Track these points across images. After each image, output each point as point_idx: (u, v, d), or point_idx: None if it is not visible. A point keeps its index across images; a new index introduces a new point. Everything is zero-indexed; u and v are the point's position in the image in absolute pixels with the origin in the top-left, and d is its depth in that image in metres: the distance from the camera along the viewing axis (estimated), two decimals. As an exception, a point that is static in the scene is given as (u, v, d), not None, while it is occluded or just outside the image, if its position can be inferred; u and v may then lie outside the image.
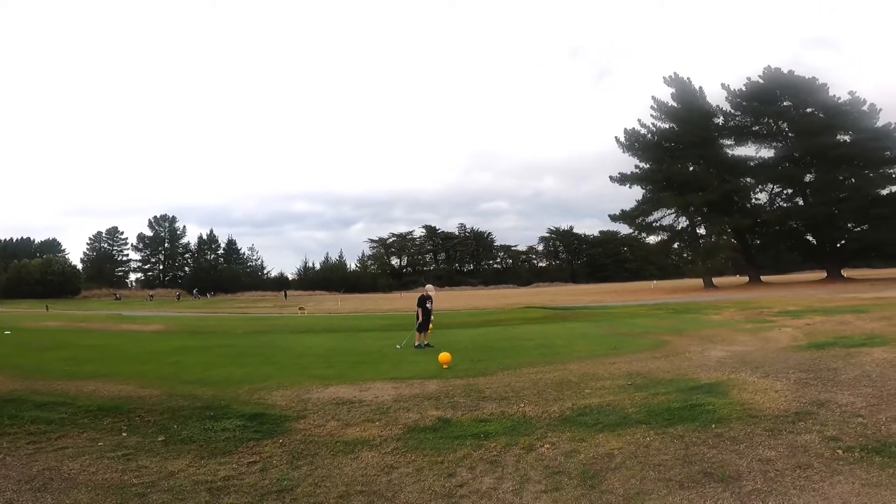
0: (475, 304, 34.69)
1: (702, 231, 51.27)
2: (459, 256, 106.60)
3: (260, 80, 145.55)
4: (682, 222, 50.09)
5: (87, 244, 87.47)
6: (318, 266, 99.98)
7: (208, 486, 4.01)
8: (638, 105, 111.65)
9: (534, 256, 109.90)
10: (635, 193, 51.03)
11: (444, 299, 44.88)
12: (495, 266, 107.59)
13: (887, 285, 29.17)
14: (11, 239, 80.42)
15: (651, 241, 57.03)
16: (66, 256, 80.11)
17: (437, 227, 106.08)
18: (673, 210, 48.64)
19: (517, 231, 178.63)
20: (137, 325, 21.01)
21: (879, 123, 42.35)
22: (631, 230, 54.73)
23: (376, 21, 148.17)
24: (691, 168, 48.80)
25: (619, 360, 8.89)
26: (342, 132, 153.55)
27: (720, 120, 49.13)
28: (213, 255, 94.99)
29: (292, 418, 5.90)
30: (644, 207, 49.18)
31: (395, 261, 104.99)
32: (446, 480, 4.02)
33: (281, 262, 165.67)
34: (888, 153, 41.77)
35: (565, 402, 6.12)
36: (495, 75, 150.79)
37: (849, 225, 44.61)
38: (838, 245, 45.85)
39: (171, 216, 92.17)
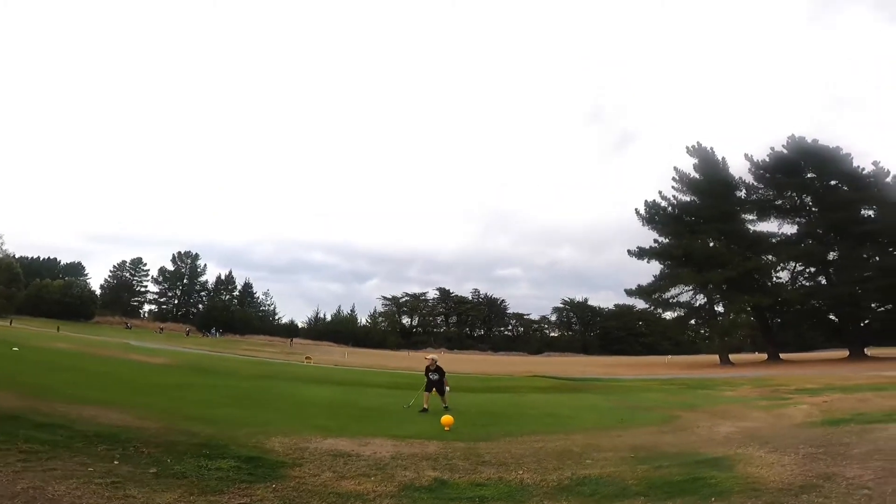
0: (483, 370, 33.92)
1: (720, 308, 49.99)
2: (471, 321, 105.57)
3: (291, 132, 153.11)
4: (700, 299, 49.05)
5: (110, 272, 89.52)
6: (328, 317, 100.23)
7: (194, 523, 3.94)
8: (660, 173, 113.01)
9: (546, 326, 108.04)
10: (653, 268, 50.33)
11: (453, 362, 43.96)
12: (506, 333, 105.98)
13: (912, 362, 27.83)
14: (38, 257, 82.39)
15: (668, 317, 55.83)
16: (88, 281, 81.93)
17: (451, 291, 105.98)
18: (691, 287, 47.87)
19: (531, 300, 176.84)
20: (145, 356, 21.07)
21: (904, 196, 41.34)
22: (647, 305, 53.82)
23: (406, 80, 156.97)
24: (711, 244, 48.16)
25: (625, 434, 8.68)
26: (364, 187, 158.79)
27: (742, 193, 48.71)
28: (228, 296, 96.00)
29: (288, 465, 5.82)
30: (661, 283, 48.54)
31: (406, 320, 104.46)
32: (437, 543, 3.89)
33: (293, 309, 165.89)
34: (913, 229, 40.50)
35: (565, 471, 5.96)
36: (516, 139, 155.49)
37: (872, 304, 42.92)
38: (862, 324, 44.07)
39: (194, 253, 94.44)
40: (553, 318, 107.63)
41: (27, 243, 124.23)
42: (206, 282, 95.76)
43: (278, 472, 5.52)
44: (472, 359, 61.30)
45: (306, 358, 32.91)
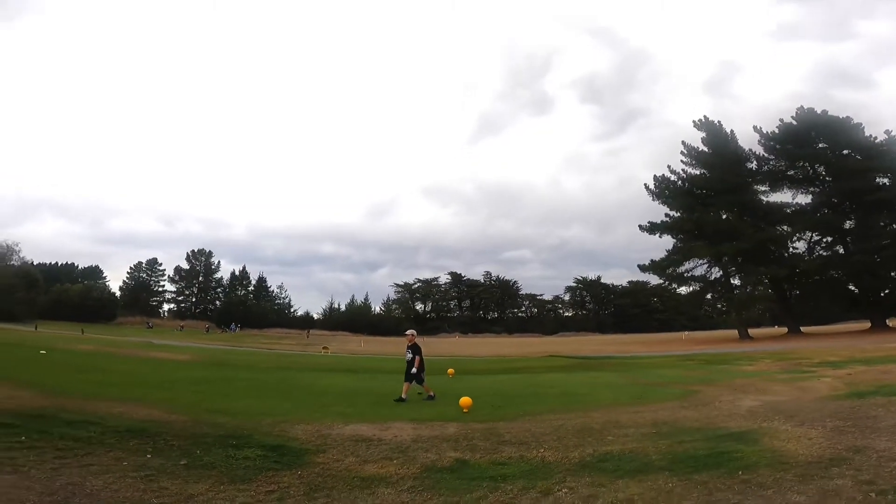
0: (499, 352, 34.17)
1: (736, 281, 49.38)
2: (484, 304, 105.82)
3: (289, 131, 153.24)
4: (716, 272, 48.46)
5: (128, 273, 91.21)
6: (343, 307, 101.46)
7: (226, 510, 4.07)
8: (663, 150, 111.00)
9: (559, 306, 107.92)
10: (665, 242, 49.81)
11: (468, 346, 44.48)
12: (520, 314, 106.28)
13: (935, 333, 27.39)
14: (56, 263, 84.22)
15: (682, 292, 55.32)
16: (107, 284, 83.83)
17: (463, 275, 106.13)
18: (705, 260, 47.31)
19: (543, 280, 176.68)
20: (167, 353, 21.54)
21: (918, 163, 40.46)
22: (661, 281, 53.37)
23: (407, 66, 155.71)
24: (724, 216, 47.45)
25: (644, 409, 8.65)
26: (370, 177, 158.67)
27: (753, 165, 47.89)
28: (243, 291, 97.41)
29: (312, 452, 5.95)
30: (675, 258, 48.07)
31: (419, 306, 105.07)
32: (461, 520, 3.98)
33: (307, 301, 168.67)
34: (928, 196, 39.70)
35: (586, 448, 5.98)
36: (517, 119, 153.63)
37: (892, 273, 42.31)
38: (882, 294, 43.30)
39: (207, 251, 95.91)
40: (566, 297, 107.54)
41: (45, 250, 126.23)
42: (221, 278, 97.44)
43: (303, 459, 5.64)
44: (488, 342, 61.74)
45: (323, 348, 33.40)
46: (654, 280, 56.73)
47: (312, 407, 9.17)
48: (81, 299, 65.44)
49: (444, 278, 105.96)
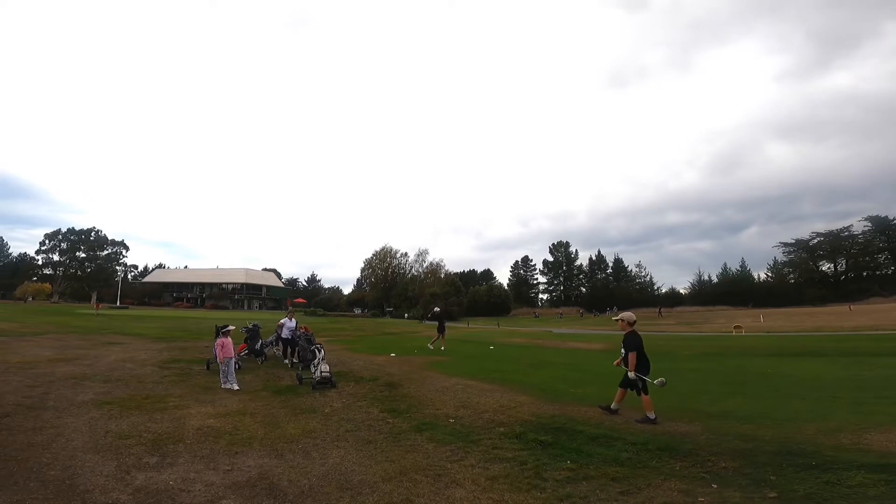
0: None
1: None
2: (941, 253, 73.50)
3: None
4: None
5: (510, 271, 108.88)
6: (714, 278, 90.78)
7: None
8: None
9: None
10: None
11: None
12: None
13: None
14: (463, 271, 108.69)
15: None
16: (500, 283, 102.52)
17: (891, 217, 76.82)
18: None
19: None
20: (578, 342, 22.97)
21: None
22: None
23: None
24: None
25: None
26: (701, 130, 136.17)
27: None
28: (602, 275, 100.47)
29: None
30: None
31: (826, 266, 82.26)
32: None
33: (662, 276, 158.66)
34: None
35: None
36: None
37: None
38: None
39: (565, 242, 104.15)
40: None
41: (453, 261, 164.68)
42: (581, 265, 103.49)
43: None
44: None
45: (735, 327, 29.61)
46: None
47: (831, 404, 7.39)
48: (488, 297, 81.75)
49: (858, 226, 79.60)
